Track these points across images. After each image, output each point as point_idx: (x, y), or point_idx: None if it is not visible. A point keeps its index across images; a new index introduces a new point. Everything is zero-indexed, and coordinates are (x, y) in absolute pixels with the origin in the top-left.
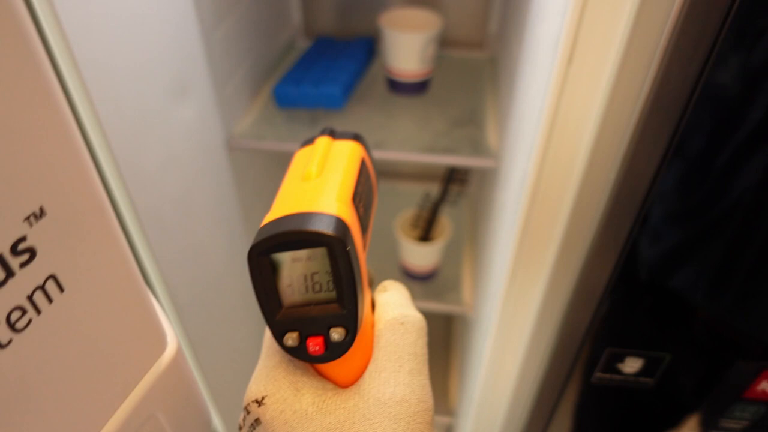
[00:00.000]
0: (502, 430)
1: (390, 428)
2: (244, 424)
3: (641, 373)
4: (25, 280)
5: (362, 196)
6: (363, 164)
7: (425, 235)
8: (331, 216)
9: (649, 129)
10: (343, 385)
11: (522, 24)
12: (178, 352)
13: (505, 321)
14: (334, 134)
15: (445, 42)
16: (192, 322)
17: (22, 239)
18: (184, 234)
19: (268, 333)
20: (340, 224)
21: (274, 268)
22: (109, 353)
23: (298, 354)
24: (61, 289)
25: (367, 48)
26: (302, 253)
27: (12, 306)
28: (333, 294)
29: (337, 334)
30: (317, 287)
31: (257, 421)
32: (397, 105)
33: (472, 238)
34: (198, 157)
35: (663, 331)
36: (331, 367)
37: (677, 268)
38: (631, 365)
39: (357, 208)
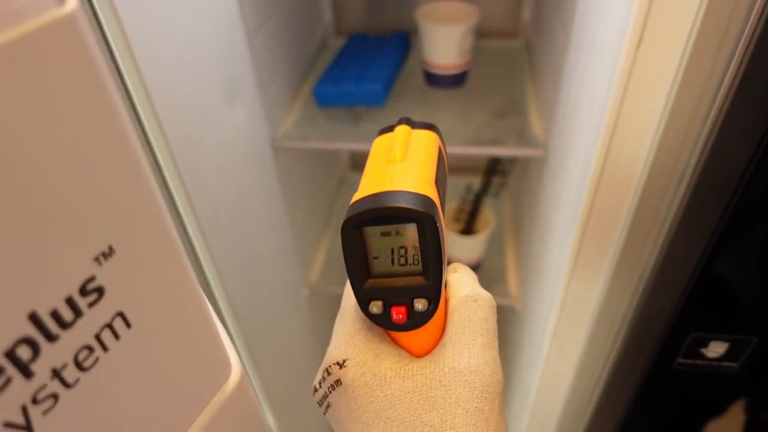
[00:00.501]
0: (560, 422)
1: (465, 395)
2: (320, 386)
3: (725, 357)
4: (93, 319)
5: (440, 181)
6: (440, 152)
7: (468, 227)
8: (421, 195)
9: (740, 108)
10: (418, 355)
11: (568, 10)
12: (242, 377)
13: (566, 314)
14: (411, 123)
15: (479, 32)
16: (248, 324)
17: (91, 279)
18: (240, 237)
19: (346, 303)
20: (430, 202)
21: (364, 241)
22: (175, 383)
23: (381, 321)
24: (128, 325)
25: (402, 42)
26: (393, 228)
27: (80, 346)
28: (419, 267)
29: (420, 304)
30: (403, 260)
31: (338, 382)
32: (436, 98)
33: (516, 229)
34: (248, 159)
35: (750, 314)
36: (409, 337)
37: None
38: (715, 350)
39: (438, 190)
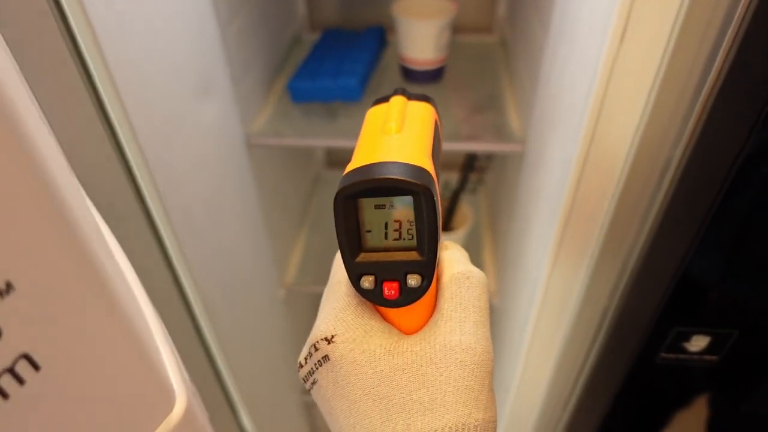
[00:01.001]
0: (540, 418)
1: (456, 373)
2: (306, 362)
3: (706, 351)
4: None
5: (436, 154)
6: (436, 125)
7: (445, 224)
8: (417, 167)
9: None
10: (409, 332)
11: (546, 3)
12: (188, 406)
13: (547, 309)
14: (407, 94)
15: (454, 28)
16: (223, 325)
17: None
18: (214, 236)
19: (335, 278)
20: (427, 175)
21: (356, 213)
22: (106, 421)
23: (372, 297)
24: (36, 368)
25: (378, 37)
26: (387, 200)
27: None
28: (413, 242)
29: (413, 280)
30: (397, 234)
31: (325, 358)
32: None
33: (493, 225)
34: (222, 156)
35: (731, 308)
36: (399, 313)
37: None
38: (697, 343)
39: (434, 164)
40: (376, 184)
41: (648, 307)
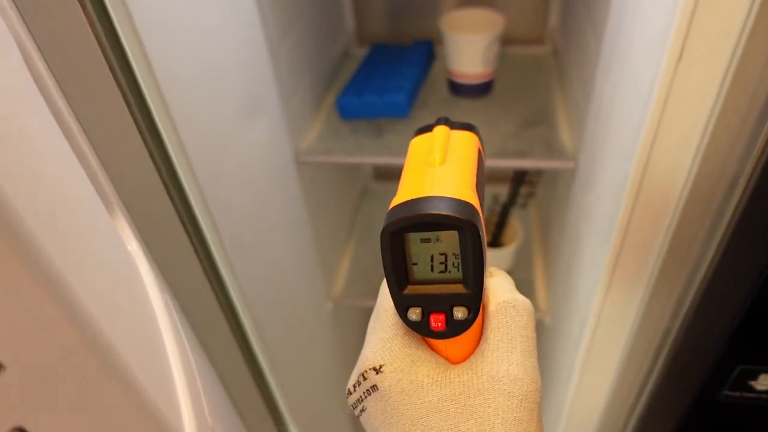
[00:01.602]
0: None
1: (504, 404)
2: (355, 390)
3: None
4: None
5: (480, 185)
6: (479, 154)
7: (495, 239)
8: (462, 201)
9: None
10: (455, 362)
11: (600, 15)
12: None
13: (599, 334)
14: (450, 124)
15: (504, 39)
16: (271, 339)
17: None
18: (262, 253)
19: (383, 307)
20: (472, 209)
21: (403, 247)
22: None
23: (419, 328)
24: None
25: (426, 52)
26: (433, 234)
27: None
28: (459, 274)
29: (459, 312)
30: (443, 267)
31: (374, 387)
32: (461, 108)
33: (544, 241)
34: (270, 173)
35: None
36: (446, 344)
37: None
38: (764, 382)
39: (479, 195)
40: (422, 220)
41: (710, 340)
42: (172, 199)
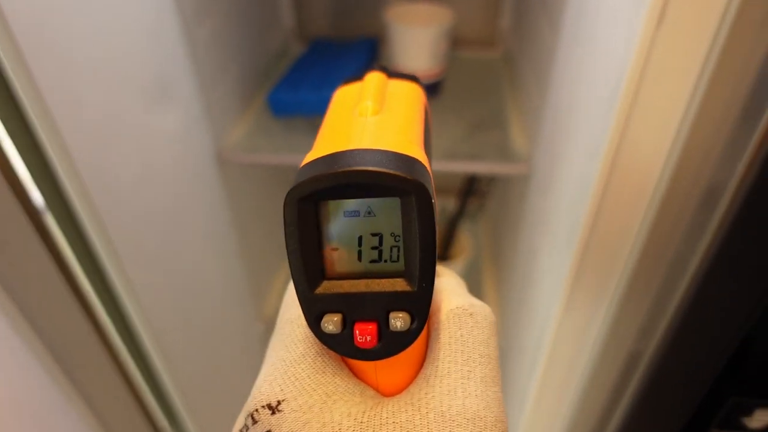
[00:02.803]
0: None
1: None
2: None
3: None
4: None
5: (428, 148)
6: (426, 112)
7: (443, 253)
8: (407, 156)
9: None
10: (388, 393)
11: (556, 13)
12: None
13: (558, 358)
14: (387, 72)
15: (453, 40)
16: (182, 368)
17: None
18: (172, 264)
19: (285, 317)
20: (421, 168)
21: (318, 223)
22: None
23: (338, 345)
24: None
25: (369, 48)
26: (364, 204)
27: None
28: (399, 265)
29: (399, 320)
30: (376, 254)
31: None
32: None
33: (495, 256)
34: (183, 171)
35: None
36: (377, 368)
37: None
38: (760, 419)
39: (428, 158)
40: (347, 180)
41: (695, 368)
42: (15, 191)
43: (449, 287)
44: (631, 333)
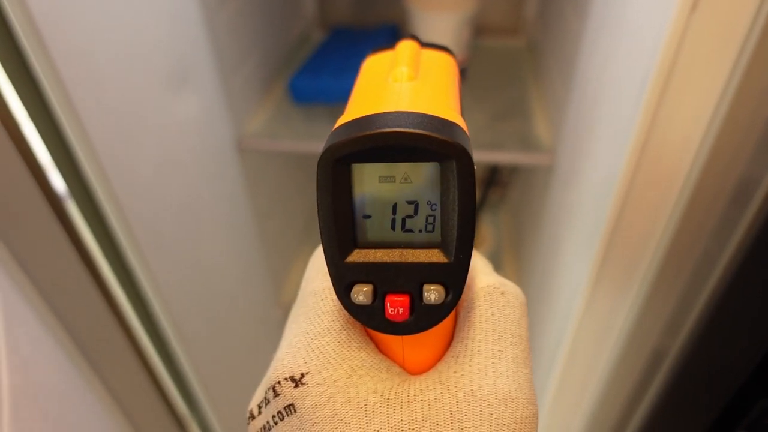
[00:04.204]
0: None
1: None
2: (260, 412)
3: None
4: None
5: (465, 118)
6: (460, 82)
7: None
8: (448, 120)
9: None
10: (416, 371)
11: (583, 4)
12: None
13: (578, 353)
14: (419, 42)
15: (477, 29)
16: (201, 354)
17: None
18: (190, 250)
19: (311, 287)
20: (464, 134)
21: (350, 188)
22: None
23: (367, 317)
24: None
25: (390, 35)
26: (400, 168)
27: None
28: (435, 235)
29: (433, 293)
30: (412, 223)
31: (290, 408)
32: None
33: (516, 248)
34: (203, 158)
35: None
36: (405, 343)
37: None
38: None
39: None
40: (386, 141)
41: (722, 368)
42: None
43: (478, 266)
44: (656, 330)
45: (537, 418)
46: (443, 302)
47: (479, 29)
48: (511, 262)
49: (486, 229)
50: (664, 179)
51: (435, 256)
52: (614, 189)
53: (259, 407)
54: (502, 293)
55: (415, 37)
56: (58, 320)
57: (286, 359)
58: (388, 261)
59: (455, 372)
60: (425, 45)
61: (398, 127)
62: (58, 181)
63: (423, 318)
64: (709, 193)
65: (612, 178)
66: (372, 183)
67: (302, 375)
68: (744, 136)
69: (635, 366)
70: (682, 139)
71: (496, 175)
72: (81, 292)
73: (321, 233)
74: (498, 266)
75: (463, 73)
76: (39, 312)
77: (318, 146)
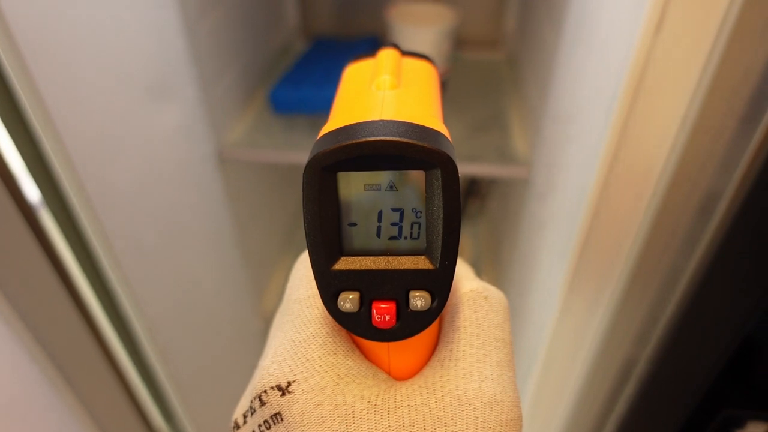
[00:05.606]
0: None
1: None
2: (245, 421)
3: None
4: None
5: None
6: (441, 90)
7: None
8: (432, 129)
9: None
10: (401, 377)
11: (559, 16)
12: None
13: (553, 364)
14: (399, 50)
15: (457, 41)
16: (179, 366)
17: None
18: (167, 258)
19: (296, 295)
20: (448, 143)
21: (336, 196)
22: None
23: (354, 324)
24: None
25: (372, 47)
26: (387, 177)
27: None
28: (420, 242)
29: (419, 300)
30: (396, 230)
31: (277, 416)
32: None
33: (495, 260)
34: (184, 168)
35: None
36: (391, 350)
37: None
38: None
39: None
40: (374, 150)
41: (688, 378)
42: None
43: (462, 271)
44: (627, 339)
45: (521, 421)
46: (429, 308)
47: (460, 42)
48: (490, 272)
49: (465, 239)
50: (633, 193)
51: (420, 263)
52: (586, 202)
53: (245, 416)
54: (486, 297)
55: (395, 46)
56: (30, 332)
57: (272, 368)
58: (374, 268)
59: (441, 377)
60: (406, 53)
61: (384, 135)
62: (32, 190)
63: (409, 324)
64: (676, 207)
65: (584, 192)
66: (358, 191)
67: (289, 383)
68: (708, 151)
69: (608, 373)
70: (649, 155)
71: (474, 187)
72: (54, 303)
73: (307, 241)
74: (477, 276)
75: (444, 85)
76: (10, 324)
77: (299, 156)
